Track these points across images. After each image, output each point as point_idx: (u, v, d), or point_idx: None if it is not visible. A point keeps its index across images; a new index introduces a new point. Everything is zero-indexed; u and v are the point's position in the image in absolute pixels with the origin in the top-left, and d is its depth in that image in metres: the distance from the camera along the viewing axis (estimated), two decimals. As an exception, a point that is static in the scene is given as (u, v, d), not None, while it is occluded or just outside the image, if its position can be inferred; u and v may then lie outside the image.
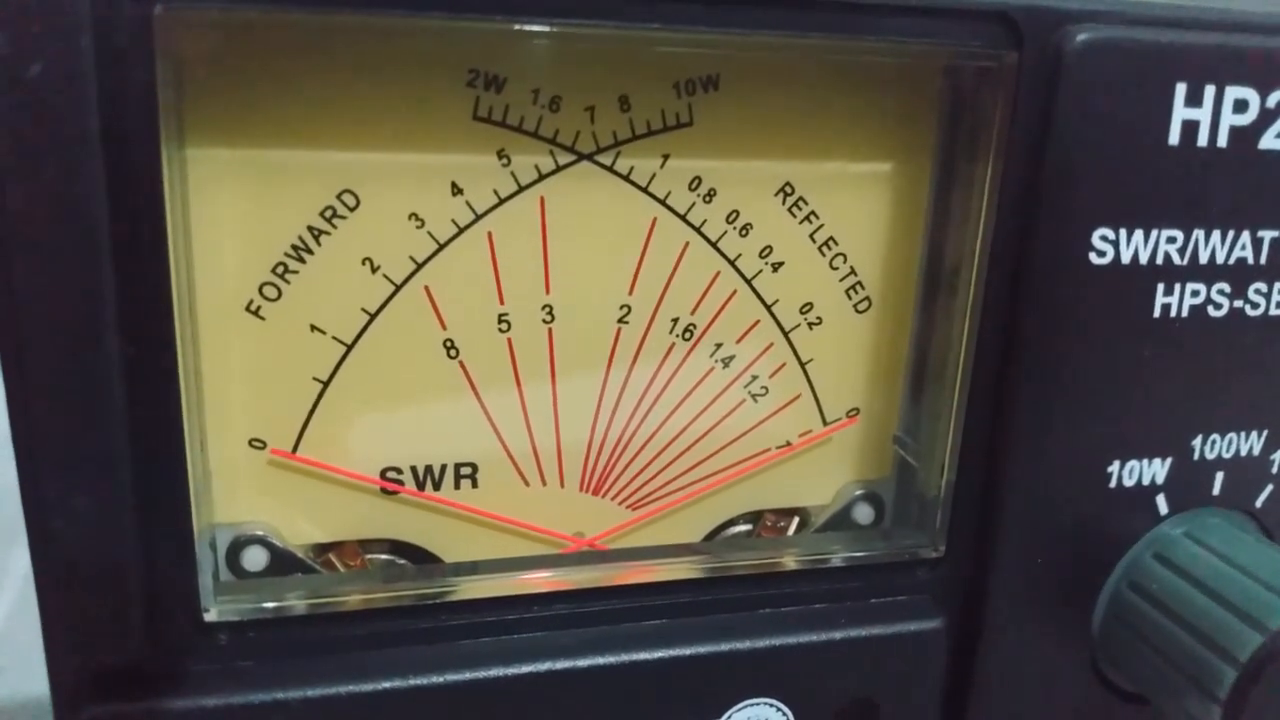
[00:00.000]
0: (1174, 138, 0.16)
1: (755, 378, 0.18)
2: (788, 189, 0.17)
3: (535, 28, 0.14)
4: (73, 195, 0.12)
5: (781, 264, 0.17)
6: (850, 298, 0.18)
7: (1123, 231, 0.16)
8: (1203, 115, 0.16)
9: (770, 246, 0.17)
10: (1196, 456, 0.18)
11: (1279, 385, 0.18)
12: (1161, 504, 0.18)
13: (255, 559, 0.16)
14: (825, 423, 0.18)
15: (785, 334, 0.18)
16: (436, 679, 0.15)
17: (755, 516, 0.19)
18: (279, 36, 0.14)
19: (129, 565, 0.14)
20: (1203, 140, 0.16)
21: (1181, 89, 0.16)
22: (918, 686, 0.17)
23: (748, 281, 0.17)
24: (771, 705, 0.17)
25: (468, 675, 0.15)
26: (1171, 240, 0.16)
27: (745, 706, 0.17)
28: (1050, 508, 0.17)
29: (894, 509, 0.19)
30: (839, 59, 0.16)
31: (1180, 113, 0.16)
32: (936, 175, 0.17)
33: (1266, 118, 0.16)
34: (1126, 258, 0.16)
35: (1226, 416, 0.18)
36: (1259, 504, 0.18)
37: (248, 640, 0.15)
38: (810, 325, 0.18)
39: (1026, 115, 0.15)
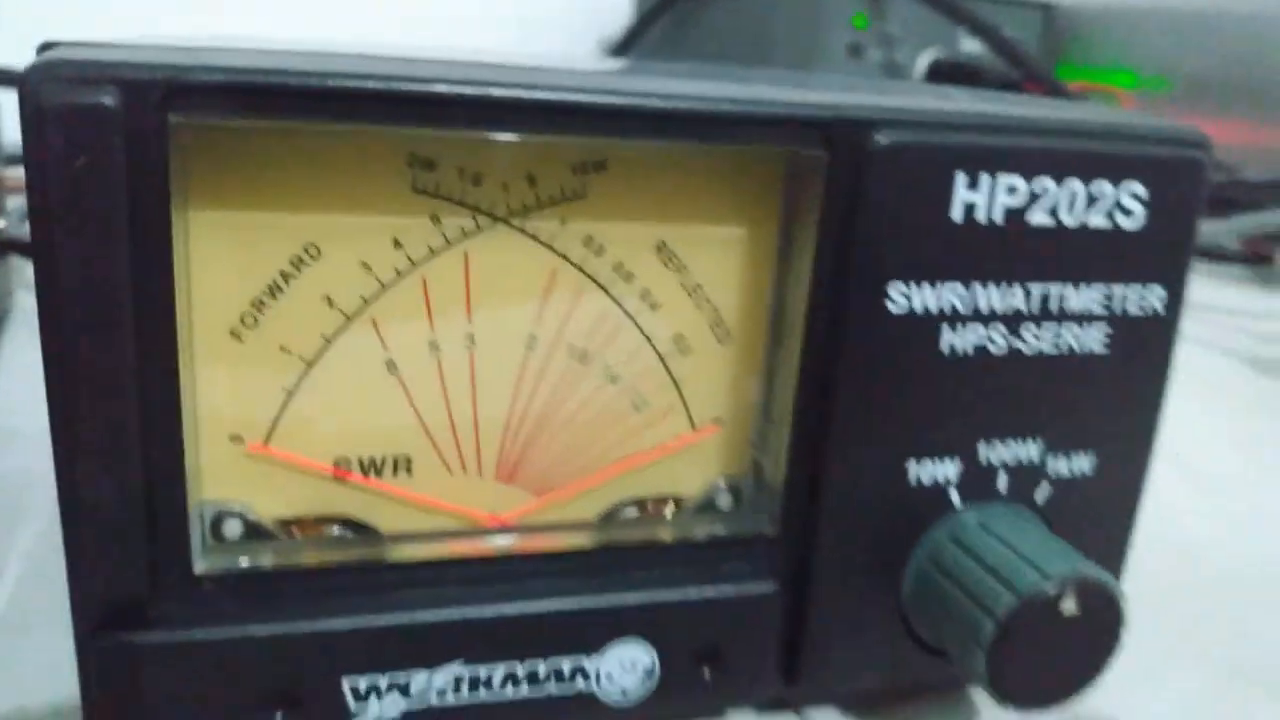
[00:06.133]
0: (957, 215, 0.20)
1: (638, 393, 0.22)
2: (662, 246, 0.21)
3: (462, 135, 0.19)
4: (106, 251, 0.17)
5: (658, 304, 0.22)
6: (714, 332, 0.22)
7: (914, 285, 0.20)
8: (980, 198, 0.20)
9: (649, 290, 0.21)
10: (982, 460, 0.22)
11: (1051, 405, 0.22)
12: (954, 497, 0.22)
13: (233, 529, 0.20)
14: (694, 429, 0.23)
15: (662, 359, 0.22)
16: (375, 621, 0.20)
17: (641, 503, 0.23)
18: (264, 134, 0.18)
19: (137, 529, 0.18)
20: (981, 216, 0.20)
21: (962, 177, 0.20)
22: (755, 637, 0.22)
23: (631, 318, 0.21)
24: (640, 647, 0.21)
25: (401, 619, 0.20)
26: (955, 293, 0.21)
27: (617, 645, 0.21)
28: (861, 499, 0.22)
29: (751, 498, 0.23)
30: (698, 152, 0.21)
31: (961, 195, 0.20)
32: (780, 240, 0.22)
33: (1032, 198, 0.21)
34: (919, 307, 0.21)
35: (1007, 429, 0.22)
36: (1040, 501, 0.23)
37: (227, 589, 0.19)
38: (682, 353, 0.22)
39: (837, 197, 0.20)
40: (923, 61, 0.80)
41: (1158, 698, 0.26)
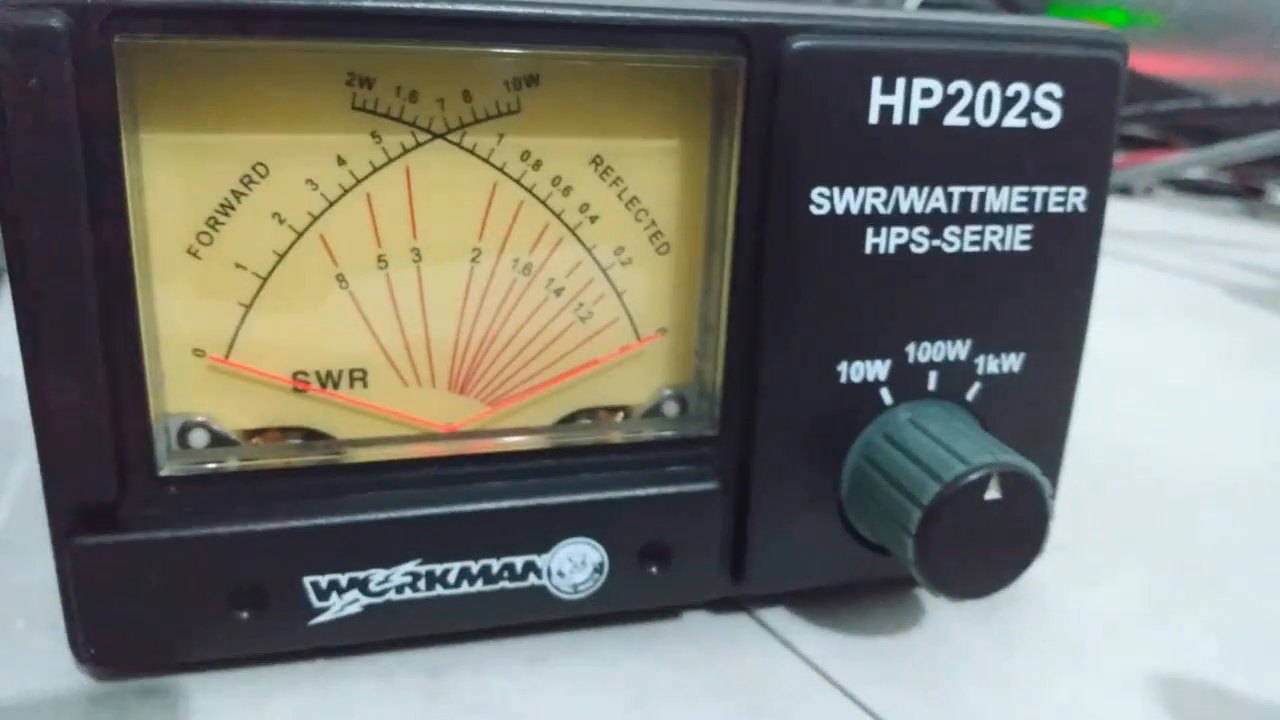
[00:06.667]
0: (873, 118, 0.21)
1: (582, 304, 0.23)
2: (598, 159, 0.22)
3: (395, 46, 0.20)
4: (62, 171, 0.18)
5: (597, 217, 0.22)
6: (653, 243, 0.23)
7: (835, 189, 0.21)
8: (896, 100, 0.21)
9: (588, 203, 0.22)
10: (911, 359, 0.23)
11: (977, 304, 0.23)
12: (886, 396, 0.23)
13: (199, 439, 0.22)
14: (638, 339, 0.24)
15: (603, 271, 0.23)
16: (335, 520, 0.21)
17: (590, 412, 0.24)
18: (207, 53, 0.19)
19: (104, 438, 0.20)
20: (897, 119, 0.21)
21: (878, 81, 0.21)
22: (699, 534, 0.23)
23: (571, 230, 0.22)
24: (588, 544, 0.22)
25: (359, 518, 0.21)
26: (876, 195, 0.22)
27: (567, 542, 0.22)
28: (795, 399, 0.22)
29: (696, 405, 0.24)
30: (626, 62, 0.21)
31: (877, 99, 0.21)
32: (712, 150, 0.22)
33: (948, 101, 0.22)
34: (840, 209, 0.21)
35: (934, 328, 0.23)
36: (970, 397, 0.24)
37: (191, 491, 0.21)
38: (623, 264, 0.23)
39: (757, 104, 0.21)
40: (912, 2, 0.80)
41: (1100, 590, 0.27)
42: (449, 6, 0.19)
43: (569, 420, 0.24)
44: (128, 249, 0.19)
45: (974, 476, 0.21)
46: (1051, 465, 0.25)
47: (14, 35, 0.17)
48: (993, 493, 0.21)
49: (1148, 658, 0.24)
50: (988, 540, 0.22)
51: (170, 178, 0.20)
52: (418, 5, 0.19)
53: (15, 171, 0.18)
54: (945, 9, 0.81)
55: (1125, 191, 0.78)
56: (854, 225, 0.22)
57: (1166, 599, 0.27)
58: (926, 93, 0.21)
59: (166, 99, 0.19)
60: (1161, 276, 0.61)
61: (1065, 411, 0.25)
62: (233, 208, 0.20)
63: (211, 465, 0.21)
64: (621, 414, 0.24)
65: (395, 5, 0.19)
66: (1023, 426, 0.24)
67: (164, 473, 0.20)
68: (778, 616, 0.25)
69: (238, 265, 0.21)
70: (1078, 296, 0.24)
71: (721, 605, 0.25)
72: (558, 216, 0.22)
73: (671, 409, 0.24)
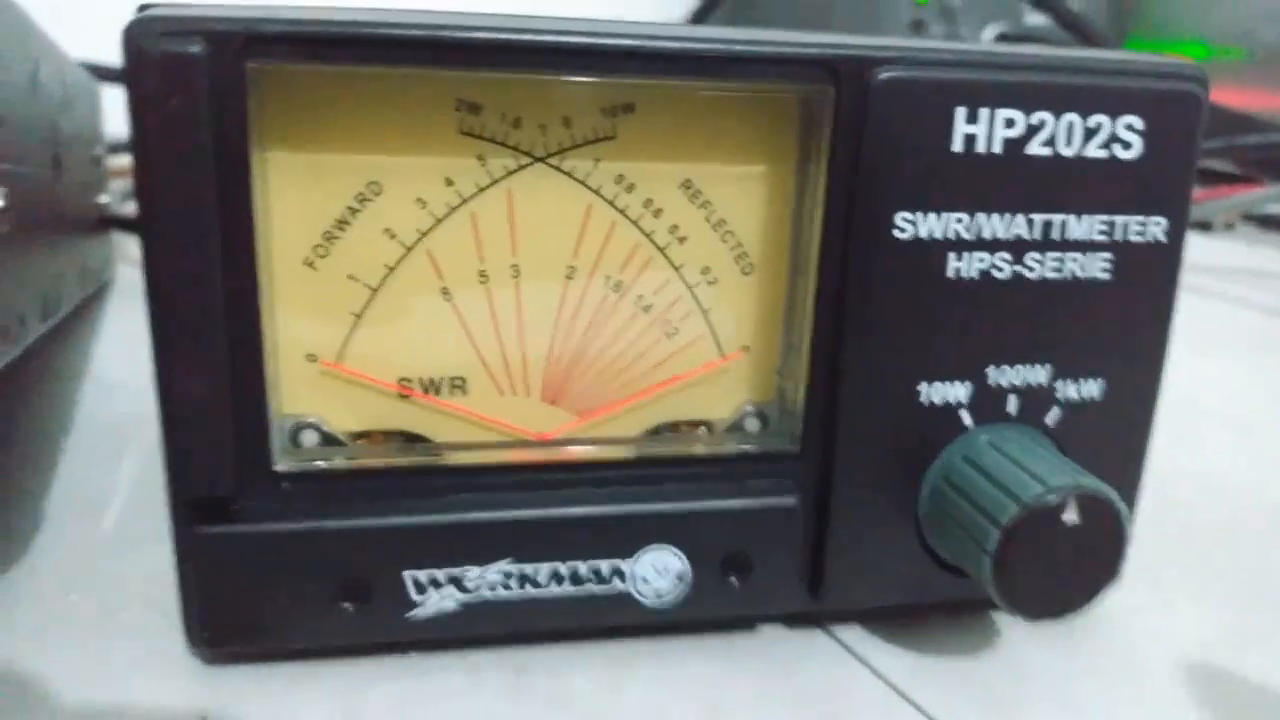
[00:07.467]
0: (957, 146, 0.22)
1: (668, 321, 0.24)
2: (688, 183, 0.23)
3: (502, 75, 0.21)
4: (196, 185, 0.19)
5: (686, 238, 0.23)
6: (738, 264, 0.24)
7: (919, 214, 0.22)
8: (980, 130, 0.22)
9: (677, 225, 0.23)
10: (991, 383, 0.24)
11: (1057, 330, 0.24)
12: (965, 418, 0.24)
13: (309, 439, 0.23)
14: (722, 356, 0.24)
15: (690, 289, 0.24)
16: (434, 519, 0.22)
17: (674, 426, 0.25)
18: (331, 79, 0.21)
19: (226, 435, 0.21)
20: (981, 148, 0.22)
21: (962, 111, 0.22)
22: (779, 548, 0.24)
23: (660, 251, 0.23)
24: (672, 552, 0.23)
25: (457, 518, 0.22)
26: (959, 221, 0.22)
27: (651, 550, 0.23)
28: (875, 419, 0.23)
29: (777, 423, 0.25)
30: (717, 92, 0.23)
31: (961, 128, 0.22)
32: (798, 176, 0.23)
33: (1031, 131, 0.22)
34: (924, 234, 0.22)
35: (1015, 352, 0.23)
36: (1050, 423, 0.24)
37: (303, 486, 0.22)
38: (709, 283, 0.24)
39: (845, 132, 0.22)
40: (987, 36, 0.80)
41: (1176, 618, 0.27)
42: (554, 39, 0.20)
43: (654, 433, 0.25)
44: (253, 259, 0.21)
45: (1052, 498, 0.22)
46: (1129, 491, 0.25)
47: (159, 60, 0.19)
48: (1071, 515, 0.22)
49: (1222, 687, 0.24)
50: (1064, 563, 0.22)
51: (292, 194, 0.21)
52: (525, 37, 0.20)
53: (155, 184, 0.19)
54: (1020, 43, 0.81)
55: (1205, 227, 0.77)
56: (937, 250, 0.22)
57: (1243, 629, 0.27)
58: (1009, 123, 0.22)
59: (291, 120, 0.21)
60: (1243, 312, 0.60)
61: (1144, 439, 0.25)
62: (348, 223, 0.22)
63: (321, 463, 0.22)
64: (704, 428, 0.25)
65: (504, 37, 0.20)
66: (1101, 452, 0.25)
67: (278, 469, 0.22)
68: (853, 633, 0.26)
69: (350, 277, 0.22)
70: (1157, 325, 0.24)
71: (797, 620, 0.26)
72: (648, 237, 0.23)
73: (753, 425, 0.25)
